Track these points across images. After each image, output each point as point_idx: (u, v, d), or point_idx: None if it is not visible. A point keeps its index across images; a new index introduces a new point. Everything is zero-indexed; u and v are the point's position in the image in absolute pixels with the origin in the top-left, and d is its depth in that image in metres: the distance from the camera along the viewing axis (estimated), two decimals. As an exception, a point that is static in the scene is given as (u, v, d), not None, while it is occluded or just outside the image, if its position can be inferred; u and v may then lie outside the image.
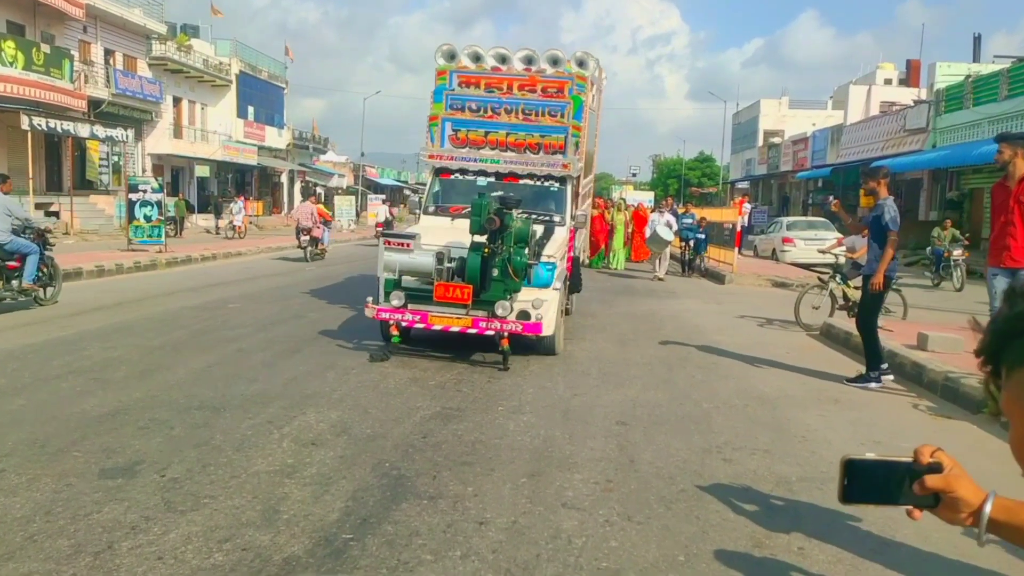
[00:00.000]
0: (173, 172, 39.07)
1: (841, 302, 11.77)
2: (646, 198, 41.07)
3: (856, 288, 10.90)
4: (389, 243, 8.01)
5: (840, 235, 16.82)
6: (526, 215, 8.54)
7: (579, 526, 3.85)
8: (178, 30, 42.47)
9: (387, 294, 7.94)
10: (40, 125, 26.31)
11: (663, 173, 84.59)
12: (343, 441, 5.06)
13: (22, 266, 10.12)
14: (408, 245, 7.92)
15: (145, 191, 20.51)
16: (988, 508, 1.28)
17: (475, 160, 9.81)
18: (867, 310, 7.78)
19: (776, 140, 49.79)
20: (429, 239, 8.17)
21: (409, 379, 7.01)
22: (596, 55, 10.57)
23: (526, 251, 8.01)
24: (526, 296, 7.99)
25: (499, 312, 7.63)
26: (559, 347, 8.49)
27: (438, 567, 3.35)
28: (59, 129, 27.65)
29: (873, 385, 7.51)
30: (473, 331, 7.64)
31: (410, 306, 7.81)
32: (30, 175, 26.17)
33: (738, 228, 20.24)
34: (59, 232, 25.59)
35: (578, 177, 10.10)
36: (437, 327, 7.71)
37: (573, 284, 9.85)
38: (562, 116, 9.84)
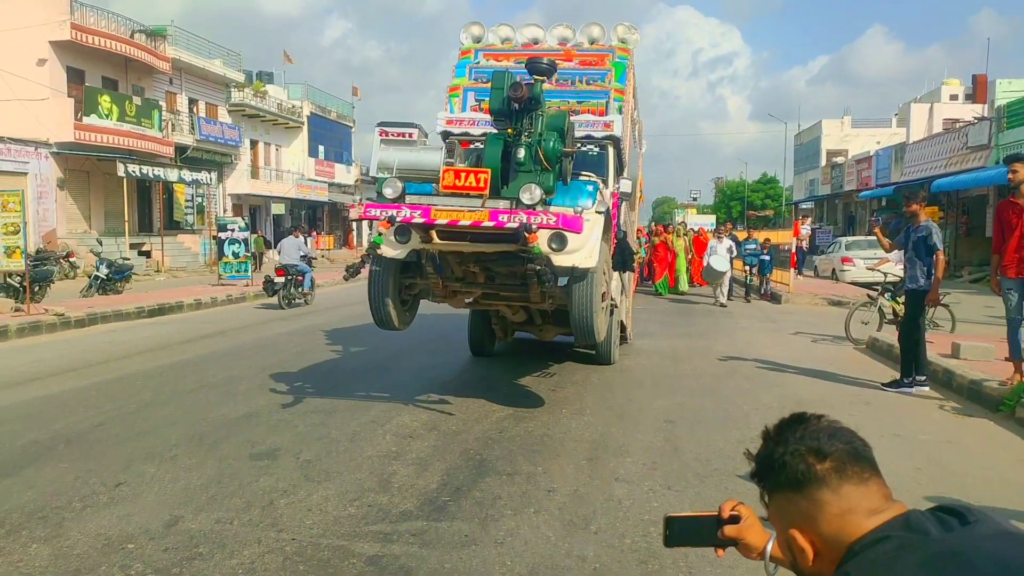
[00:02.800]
0: (251, 210, 41.36)
1: (890, 317, 12.43)
2: (707, 222, 41.56)
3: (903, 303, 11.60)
4: (386, 134, 6.42)
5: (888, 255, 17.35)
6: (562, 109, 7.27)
7: (627, 493, 4.82)
8: (254, 77, 45.04)
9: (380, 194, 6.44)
10: (134, 172, 28.58)
11: (725, 196, 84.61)
12: (434, 435, 6.12)
13: (303, 280, 17.07)
14: (412, 136, 6.44)
15: (233, 230, 22.16)
16: (769, 548, 1.59)
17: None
18: (912, 322, 8.51)
19: (839, 160, 49.78)
20: None
21: (485, 387, 8.05)
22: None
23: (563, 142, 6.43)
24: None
25: (525, 199, 5.89)
26: (614, 353, 7.93)
27: (517, 518, 4.37)
28: (150, 175, 29.94)
29: (906, 390, 8.23)
30: (489, 224, 5.82)
31: (409, 200, 6.20)
32: (125, 218, 28.43)
33: (792, 249, 20.80)
34: (151, 270, 27.71)
35: (621, 144, 8.50)
36: (442, 221, 5.91)
37: (621, 260, 8.41)
38: (603, 82, 8.48)
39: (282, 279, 16.51)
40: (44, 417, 6.60)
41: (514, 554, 3.91)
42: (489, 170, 6.04)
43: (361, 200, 7.38)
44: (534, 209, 5.84)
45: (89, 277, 18.56)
